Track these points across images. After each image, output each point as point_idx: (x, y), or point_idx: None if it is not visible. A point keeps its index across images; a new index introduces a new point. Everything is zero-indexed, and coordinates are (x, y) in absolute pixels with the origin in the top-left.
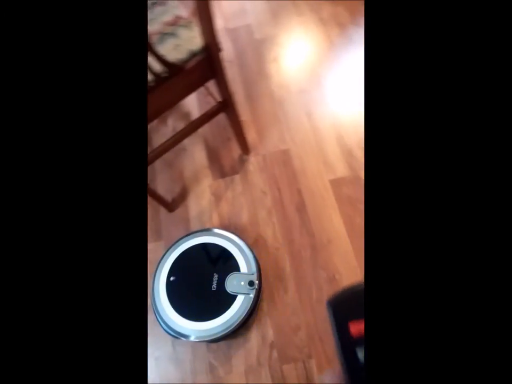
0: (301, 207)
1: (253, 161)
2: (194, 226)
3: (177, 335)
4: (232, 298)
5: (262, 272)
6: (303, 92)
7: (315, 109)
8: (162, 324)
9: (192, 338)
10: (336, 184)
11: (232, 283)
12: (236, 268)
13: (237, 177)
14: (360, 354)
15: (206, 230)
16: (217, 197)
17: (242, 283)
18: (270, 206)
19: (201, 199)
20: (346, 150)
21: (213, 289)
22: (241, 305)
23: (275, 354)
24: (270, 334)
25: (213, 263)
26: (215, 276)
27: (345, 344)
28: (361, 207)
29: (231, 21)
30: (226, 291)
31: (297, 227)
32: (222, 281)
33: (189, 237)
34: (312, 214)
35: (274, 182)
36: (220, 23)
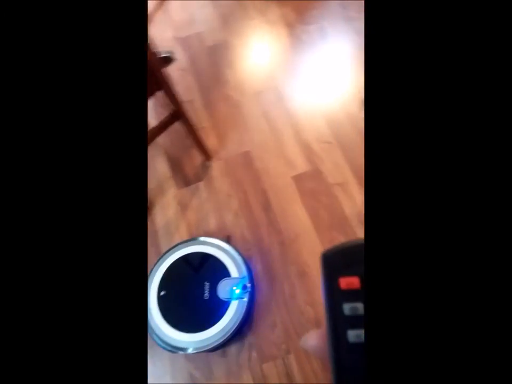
0: (267, 206)
1: (216, 167)
2: (162, 238)
3: (174, 350)
4: (226, 304)
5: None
6: (259, 94)
7: (271, 108)
8: (157, 340)
9: (190, 351)
10: (298, 179)
11: (225, 289)
12: (226, 273)
13: (201, 184)
14: (346, 308)
15: (192, 240)
16: (183, 206)
17: (234, 288)
18: (236, 208)
19: (167, 210)
20: (304, 146)
21: (205, 298)
22: (236, 311)
23: (254, 354)
24: (247, 334)
25: (202, 272)
26: (206, 284)
27: (332, 298)
28: (324, 199)
29: (182, 30)
30: (219, 298)
31: (265, 226)
32: (213, 289)
33: (174, 249)
34: (278, 212)
35: (239, 184)
36: (170, 33)
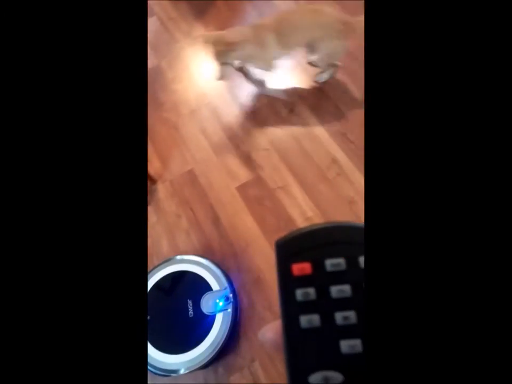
0: (216, 220)
1: (162, 189)
2: None
3: (166, 373)
4: (212, 318)
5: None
6: (194, 112)
7: (208, 125)
8: (148, 366)
9: (182, 372)
10: (242, 189)
11: (208, 304)
12: (207, 288)
13: (149, 208)
14: (299, 294)
15: (168, 260)
16: None
17: (217, 301)
18: (186, 227)
19: None
20: (244, 156)
21: (190, 316)
22: (222, 323)
23: (220, 369)
24: None
25: (183, 290)
26: (189, 302)
27: (285, 285)
28: (269, 204)
29: None
30: (204, 313)
31: (216, 240)
32: (197, 305)
33: (152, 272)
34: (227, 224)
35: (186, 203)
36: None
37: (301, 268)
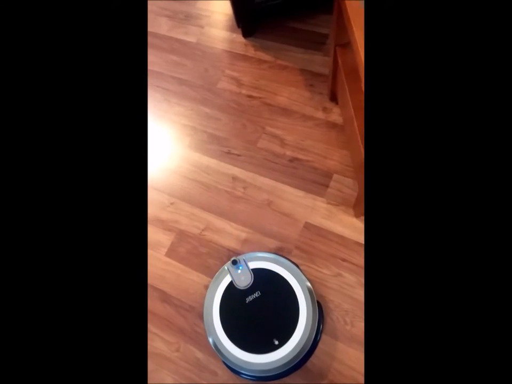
0: (165, 297)
1: None
2: None
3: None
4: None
5: None
6: None
7: None
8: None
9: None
10: (172, 252)
11: (241, 279)
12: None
13: None
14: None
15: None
16: None
17: (239, 271)
18: None
19: None
20: (155, 222)
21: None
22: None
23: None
24: None
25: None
26: (255, 292)
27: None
28: (203, 250)
29: None
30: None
31: (175, 315)
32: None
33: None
34: (178, 293)
35: None
36: None
37: None
